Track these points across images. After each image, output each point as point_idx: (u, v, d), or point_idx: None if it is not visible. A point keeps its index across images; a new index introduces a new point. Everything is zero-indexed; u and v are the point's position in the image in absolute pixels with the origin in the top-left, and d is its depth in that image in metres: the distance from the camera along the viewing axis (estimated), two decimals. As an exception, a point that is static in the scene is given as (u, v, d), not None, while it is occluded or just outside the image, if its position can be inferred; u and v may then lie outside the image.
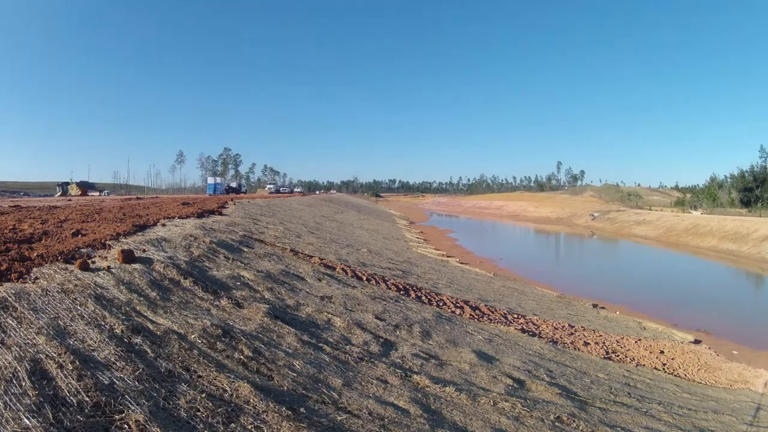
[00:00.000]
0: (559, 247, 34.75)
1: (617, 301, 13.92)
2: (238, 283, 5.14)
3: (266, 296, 5.03)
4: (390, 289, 7.84)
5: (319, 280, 6.72)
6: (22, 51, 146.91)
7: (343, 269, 8.06)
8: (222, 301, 4.31)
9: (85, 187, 41.58)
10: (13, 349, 2.32)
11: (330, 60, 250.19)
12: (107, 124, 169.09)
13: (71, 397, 2.07)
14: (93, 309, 3.09)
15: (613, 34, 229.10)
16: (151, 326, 3.18)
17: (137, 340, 2.88)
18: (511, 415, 3.61)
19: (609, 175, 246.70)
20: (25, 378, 2.10)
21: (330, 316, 4.99)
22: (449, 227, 43.09)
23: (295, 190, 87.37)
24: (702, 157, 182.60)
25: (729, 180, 52.56)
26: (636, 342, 8.88)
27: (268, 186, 76.21)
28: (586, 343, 7.81)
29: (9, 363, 2.18)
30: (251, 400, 2.59)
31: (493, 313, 8.53)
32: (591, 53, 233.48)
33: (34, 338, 2.48)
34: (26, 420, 1.84)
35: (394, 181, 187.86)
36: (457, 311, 7.68)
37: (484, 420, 3.41)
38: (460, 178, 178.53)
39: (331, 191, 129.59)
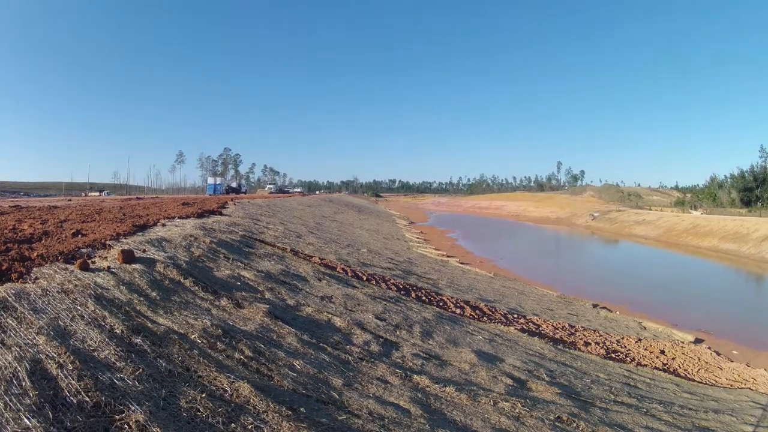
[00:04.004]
0: (559, 247, 34.74)
1: (617, 301, 13.92)
2: (239, 283, 5.14)
3: (266, 296, 5.03)
4: (390, 289, 7.84)
5: (320, 280, 6.72)
6: (22, 52, 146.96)
7: (343, 269, 8.06)
8: (222, 301, 4.31)
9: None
10: (13, 349, 2.32)
11: (329, 60, 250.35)
12: (107, 124, 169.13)
13: (71, 397, 2.07)
14: (93, 309, 3.09)
15: (612, 35, 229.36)
16: (151, 326, 3.18)
17: (137, 340, 2.88)
18: (511, 415, 3.61)
19: (609, 175, 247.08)
20: (26, 378, 2.09)
21: (330, 316, 4.99)
22: (449, 227, 43.07)
23: (295, 190, 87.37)
24: (702, 157, 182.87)
25: (729, 180, 52.50)
26: (636, 342, 8.88)
27: (268, 186, 75.91)
28: (587, 343, 7.81)
29: (9, 363, 2.18)
30: (251, 400, 2.59)
31: (493, 313, 8.53)
32: (590, 54, 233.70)
33: (35, 338, 2.48)
34: (26, 420, 1.84)
35: (394, 181, 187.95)
36: (458, 311, 7.68)
37: (485, 420, 3.41)
38: (460, 178, 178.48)
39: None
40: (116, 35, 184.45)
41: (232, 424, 2.31)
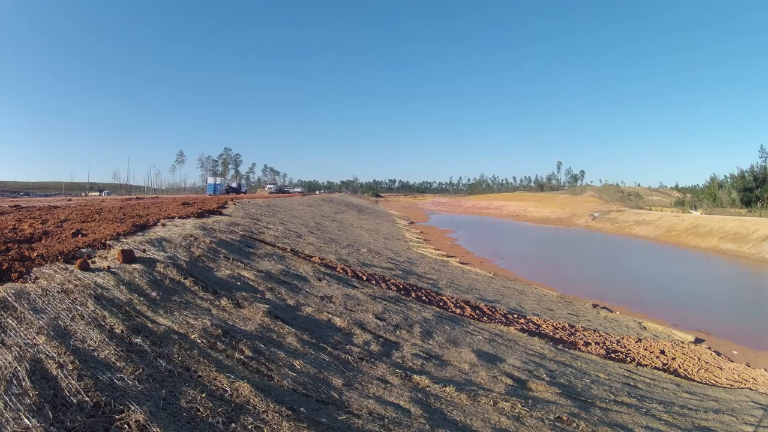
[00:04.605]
0: (559, 248, 34.72)
1: (617, 301, 13.92)
2: (239, 283, 5.14)
3: (267, 296, 5.03)
4: (390, 289, 7.84)
5: (320, 280, 6.72)
6: (23, 52, 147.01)
7: (343, 269, 8.06)
8: (222, 301, 4.31)
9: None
10: (13, 349, 2.32)
11: (329, 59, 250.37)
12: (107, 124, 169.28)
13: (71, 397, 2.07)
14: (93, 309, 3.08)
15: (612, 36, 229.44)
16: (151, 326, 3.18)
17: (137, 340, 2.88)
18: (511, 415, 3.61)
19: (609, 175, 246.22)
20: (26, 378, 2.09)
21: (330, 316, 4.99)
22: (449, 227, 43.07)
23: (295, 190, 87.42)
24: (702, 157, 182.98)
25: (729, 180, 52.53)
26: (636, 342, 8.88)
27: (268, 186, 75.68)
28: (587, 343, 7.81)
29: (9, 363, 2.18)
30: (251, 400, 2.59)
31: (493, 313, 8.53)
32: (590, 54, 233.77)
33: (35, 338, 2.48)
34: (26, 420, 1.84)
35: (394, 181, 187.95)
36: (458, 311, 7.68)
37: (485, 420, 3.41)
38: (460, 178, 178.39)
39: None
40: (117, 34, 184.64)
41: (232, 424, 2.31)
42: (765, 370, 8.38)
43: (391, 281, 8.68)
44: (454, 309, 7.76)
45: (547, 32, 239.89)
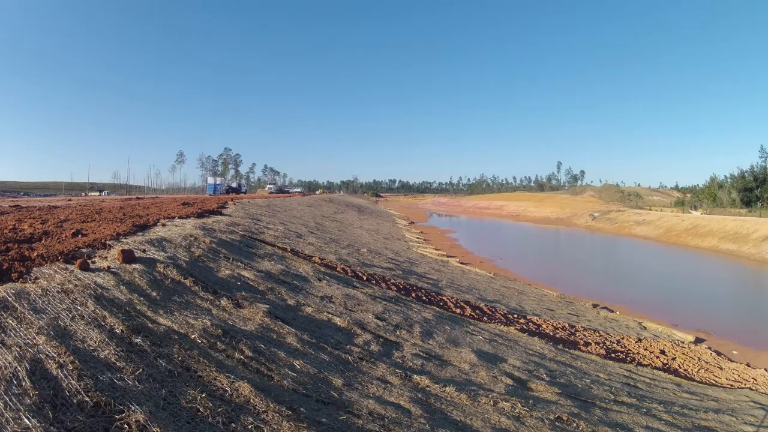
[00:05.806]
0: (559, 248, 34.73)
1: (617, 301, 13.92)
2: (239, 283, 5.14)
3: (267, 296, 5.03)
4: (390, 289, 7.84)
5: (320, 280, 6.72)
6: (23, 51, 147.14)
7: (343, 269, 8.06)
8: (222, 301, 4.31)
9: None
10: (13, 349, 2.31)
11: (328, 61, 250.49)
12: (107, 124, 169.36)
13: (71, 397, 2.07)
14: (93, 309, 3.08)
15: (613, 36, 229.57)
16: (151, 326, 3.18)
17: (137, 340, 2.88)
18: (511, 415, 3.61)
19: (609, 175, 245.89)
20: (26, 378, 2.09)
21: (330, 316, 4.99)
22: (449, 227, 43.09)
23: (295, 190, 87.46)
24: (702, 157, 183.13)
25: (729, 180, 52.46)
26: (636, 342, 8.88)
27: (268, 186, 75.59)
28: (587, 343, 7.81)
29: (9, 363, 2.17)
30: (251, 400, 2.59)
31: (493, 313, 8.53)
32: (591, 54, 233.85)
33: (35, 338, 2.48)
34: (26, 420, 1.84)
35: (394, 181, 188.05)
36: (458, 311, 7.68)
37: (485, 420, 3.41)
38: (460, 178, 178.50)
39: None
40: (117, 33, 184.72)
41: (233, 424, 2.31)
42: (765, 370, 8.38)
43: (391, 281, 8.68)
44: (454, 309, 7.76)
45: (547, 32, 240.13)
